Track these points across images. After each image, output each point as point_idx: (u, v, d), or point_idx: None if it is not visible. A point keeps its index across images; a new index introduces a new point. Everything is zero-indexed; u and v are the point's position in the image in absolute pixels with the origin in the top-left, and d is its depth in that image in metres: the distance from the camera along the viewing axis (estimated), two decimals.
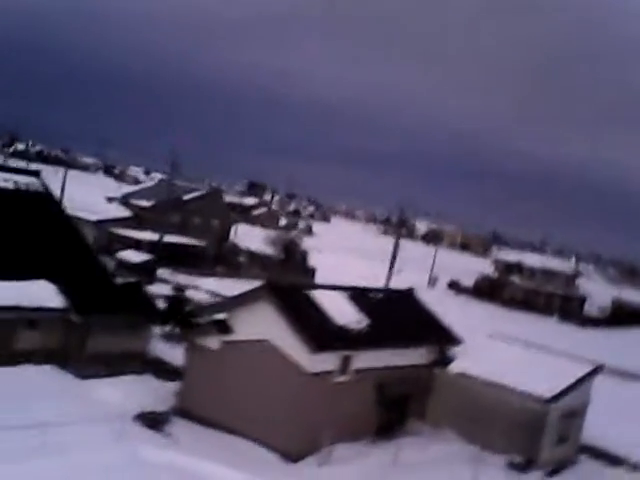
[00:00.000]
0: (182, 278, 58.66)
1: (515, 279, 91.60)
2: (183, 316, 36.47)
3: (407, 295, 32.96)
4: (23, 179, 32.75)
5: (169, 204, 67.02)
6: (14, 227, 30.28)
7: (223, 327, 26.70)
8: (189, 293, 42.67)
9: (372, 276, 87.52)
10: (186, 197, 67.71)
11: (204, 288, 55.32)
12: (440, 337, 31.71)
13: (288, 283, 27.83)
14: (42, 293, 27.71)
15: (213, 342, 27.15)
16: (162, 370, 31.06)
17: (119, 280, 32.61)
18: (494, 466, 27.67)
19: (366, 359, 27.23)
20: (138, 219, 66.94)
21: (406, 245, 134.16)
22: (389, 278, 54.43)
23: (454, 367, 30.79)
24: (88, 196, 79.18)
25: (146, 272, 53.15)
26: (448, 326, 32.90)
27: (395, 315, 30.49)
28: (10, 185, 31.85)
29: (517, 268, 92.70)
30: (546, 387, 29.52)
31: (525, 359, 31.87)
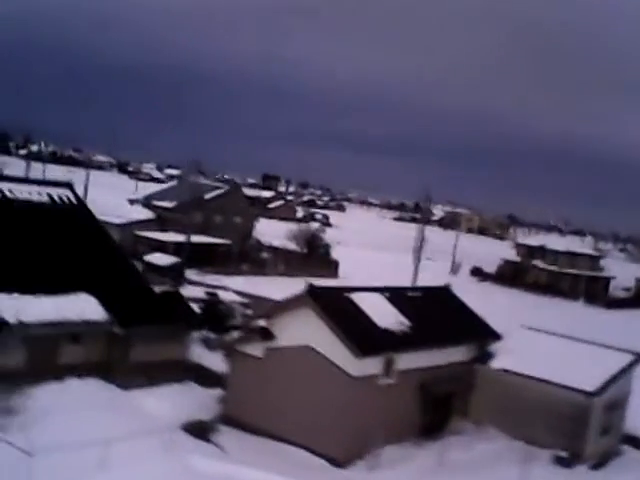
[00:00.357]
0: (209, 279, 58.83)
1: (538, 263, 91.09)
2: (219, 320, 36.67)
3: (444, 292, 32.88)
4: (56, 191, 32.86)
5: (191, 204, 67.11)
6: (52, 241, 30.39)
7: (266, 334, 26.74)
8: (221, 295, 42.74)
9: (395, 267, 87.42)
10: (208, 196, 67.77)
11: (232, 288, 55.44)
12: (479, 333, 31.64)
13: (329, 287, 27.82)
14: (84, 307, 27.83)
15: (256, 349, 27.21)
16: (203, 377, 31.17)
17: (157, 288, 32.64)
18: (540, 462, 27.57)
19: (409, 360, 27.21)
20: (161, 220, 67.13)
21: (424, 232, 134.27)
22: (416, 269, 54.31)
23: (495, 363, 30.70)
24: (109, 198, 79.63)
25: (174, 275, 53.30)
26: (486, 321, 32.83)
27: (434, 314, 30.44)
28: (44, 198, 31.96)
29: (540, 252, 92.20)
30: (589, 379, 29.37)
31: (565, 351, 31.67)
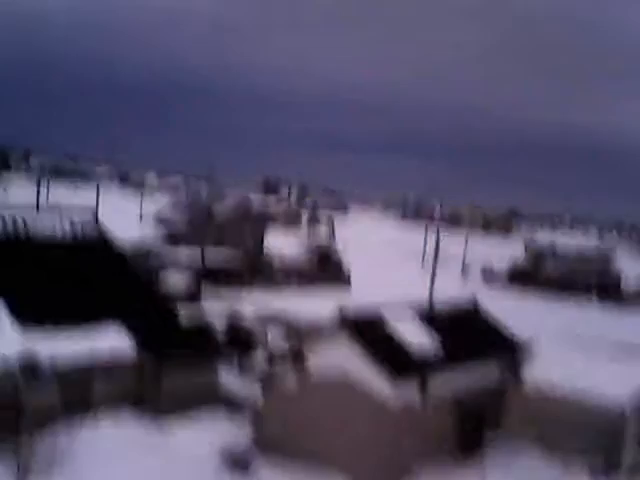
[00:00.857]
0: (223, 295, 58.65)
1: (549, 263, 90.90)
2: (243, 341, 36.54)
3: (472, 305, 32.73)
4: (79, 219, 32.73)
5: (202, 218, 67.06)
6: (78, 272, 30.26)
7: (298, 361, 26.58)
8: (242, 313, 42.56)
9: (407, 272, 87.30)
10: (218, 209, 67.60)
11: (248, 304, 55.21)
12: (510, 347, 31.48)
13: (361, 310, 27.64)
14: (114, 339, 27.67)
15: (289, 376, 27.06)
16: (234, 403, 30.98)
17: (183, 313, 32.46)
18: (578, 474, 27.50)
19: (443, 381, 27.07)
20: (173, 237, 67.02)
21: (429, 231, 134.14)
22: (433, 277, 54.09)
23: (527, 377, 30.52)
24: (117, 212, 79.26)
25: (191, 293, 53.16)
26: (516, 334, 32.69)
27: (464, 330, 30.29)
28: (68, 228, 31.84)
29: (550, 251, 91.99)
30: (623, 389, 29.25)
31: (595, 360, 31.59)
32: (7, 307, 26.23)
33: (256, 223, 74.70)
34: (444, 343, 28.00)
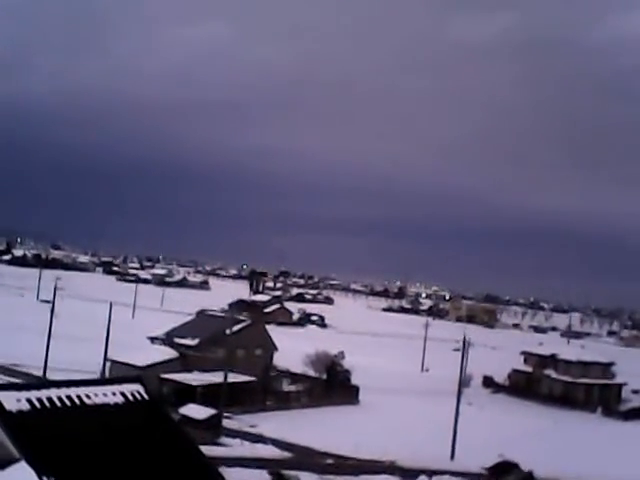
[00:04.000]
0: (242, 422, 57.96)
1: (551, 373, 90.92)
2: None
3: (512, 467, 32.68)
4: (128, 388, 32.31)
5: (213, 340, 66.86)
6: (132, 444, 29.56)
7: None
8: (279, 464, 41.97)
9: (411, 383, 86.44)
10: (229, 330, 67.20)
11: (269, 436, 54.55)
12: None
13: None
14: None
15: None
16: None
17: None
18: None
19: None
20: (184, 359, 66.45)
21: (415, 322, 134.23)
22: (457, 412, 53.63)
23: None
24: (123, 327, 78.44)
25: (212, 427, 52.43)
26: None
27: None
28: (118, 399, 31.43)
29: (551, 361, 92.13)
30: None
31: None
32: None
33: (266, 342, 74.32)
34: None
